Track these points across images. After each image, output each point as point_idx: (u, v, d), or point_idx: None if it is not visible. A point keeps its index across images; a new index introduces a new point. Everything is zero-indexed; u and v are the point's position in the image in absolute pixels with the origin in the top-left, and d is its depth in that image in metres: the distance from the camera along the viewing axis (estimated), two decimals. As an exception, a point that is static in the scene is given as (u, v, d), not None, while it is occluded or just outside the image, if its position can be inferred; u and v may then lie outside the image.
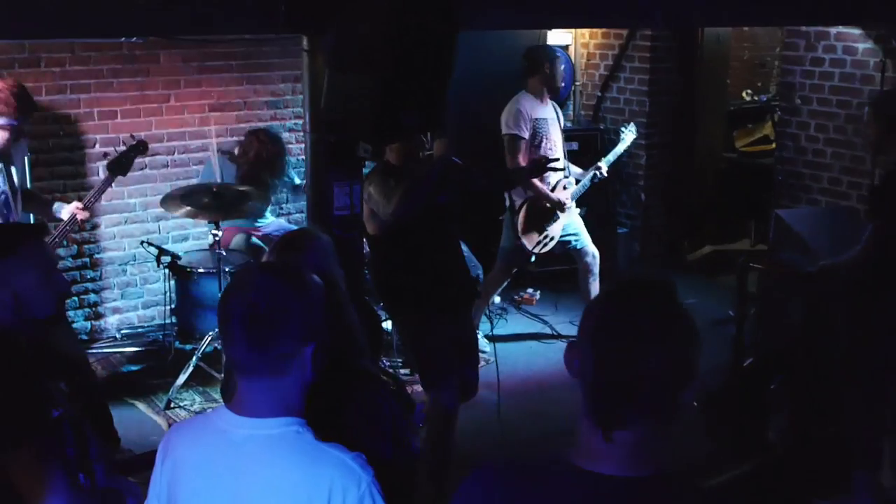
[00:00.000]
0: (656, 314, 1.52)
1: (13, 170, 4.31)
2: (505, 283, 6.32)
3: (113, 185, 5.52)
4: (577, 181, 6.11)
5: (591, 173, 6.09)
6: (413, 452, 2.48)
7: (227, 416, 1.85)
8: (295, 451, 1.80)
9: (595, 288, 6.09)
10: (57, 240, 4.39)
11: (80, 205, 4.51)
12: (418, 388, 5.05)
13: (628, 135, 6.36)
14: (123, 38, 5.41)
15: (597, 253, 6.10)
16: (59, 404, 2.23)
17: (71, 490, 2.12)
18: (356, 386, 2.27)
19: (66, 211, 4.50)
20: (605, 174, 6.11)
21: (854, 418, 4.12)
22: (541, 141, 5.86)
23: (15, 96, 4.14)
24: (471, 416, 4.84)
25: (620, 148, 6.29)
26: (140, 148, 4.82)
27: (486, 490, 1.60)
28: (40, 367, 2.25)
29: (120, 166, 4.69)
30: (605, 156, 6.24)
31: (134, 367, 5.63)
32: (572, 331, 6.06)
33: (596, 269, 6.09)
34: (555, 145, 5.94)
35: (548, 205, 5.88)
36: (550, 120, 5.91)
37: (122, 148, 4.84)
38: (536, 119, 5.84)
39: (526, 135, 5.77)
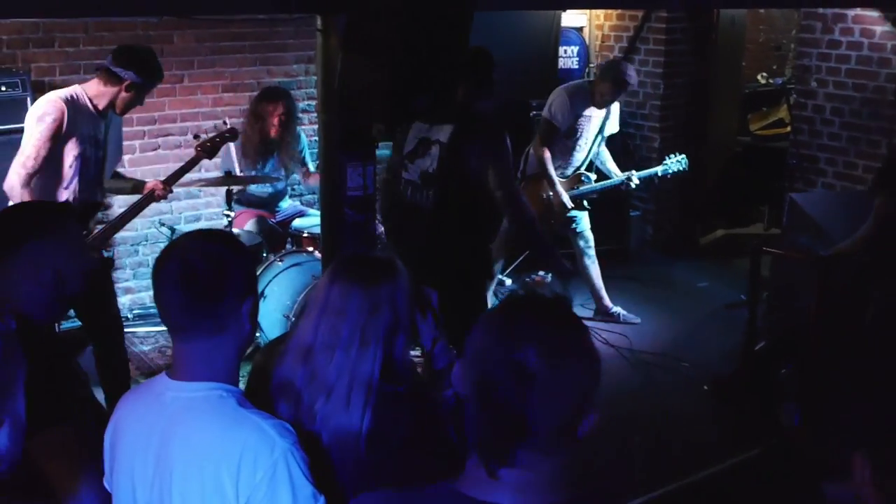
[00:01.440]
0: (548, 339, 1.34)
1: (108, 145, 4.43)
2: (512, 262, 6.32)
3: (126, 165, 5.60)
4: (602, 175, 6.06)
5: (620, 179, 6.06)
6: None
7: (163, 380, 1.91)
8: (213, 413, 1.82)
9: (593, 270, 6.08)
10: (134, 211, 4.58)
11: (159, 183, 4.62)
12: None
13: (674, 164, 6.16)
14: (138, 18, 5.41)
15: (591, 237, 6.08)
16: (81, 385, 2.25)
17: (99, 475, 2.14)
18: (402, 413, 2.16)
19: (146, 186, 4.65)
20: (634, 186, 6.08)
21: (875, 403, 4.09)
22: (575, 135, 5.86)
23: (147, 57, 4.29)
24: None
25: (659, 170, 6.20)
26: (228, 135, 4.95)
27: None
28: (68, 347, 2.27)
29: (208, 150, 4.84)
30: (638, 168, 6.24)
31: (146, 348, 5.65)
32: (583, 313, 6.07)
33: (591, 252, 6.06)
34: (586, 143, 5.92)
35: (550, 193, 5.86)
36: (594, 118, 5.88)
37: (213, 132, 4.99)
38: (580, 115, 5.83)
39: (562, 126, 5.77)
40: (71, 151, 4.12)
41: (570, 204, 5.86)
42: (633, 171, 6.09)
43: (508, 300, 1.47)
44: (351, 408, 2.05)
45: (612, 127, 6.10)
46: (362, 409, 2.05)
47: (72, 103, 4.12)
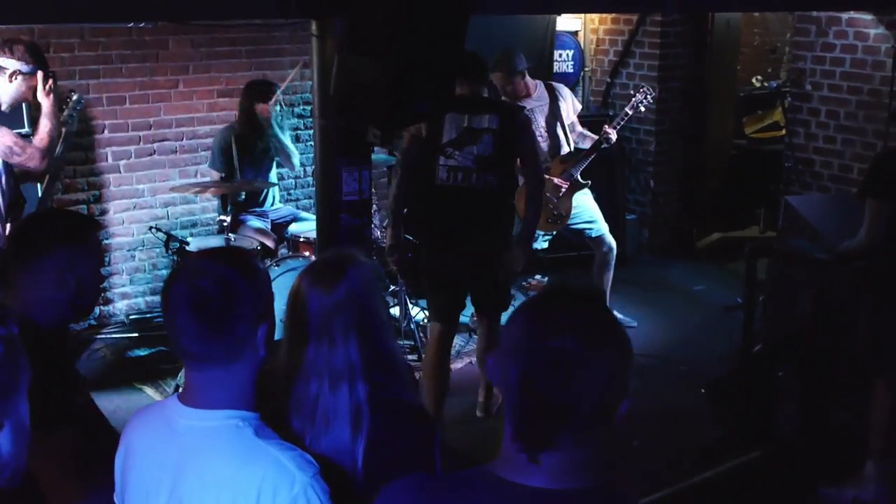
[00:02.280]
0: (584, 330, 1.40)
1: None
2: None
3: (121, 170, 5.63)
4: (587, 152, 6.00)
5: (596, 139, 5.92)
6: None
7: (175, 405, 1.83)
8: (230, 445, 1.75)
9: (607, 278, 6.05)
10: None
11: None
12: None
13: (640, 97, 6.04)
14: (132, 23, 5.41)
15: (614, 244, 6.01)
16: (82, 392, 2.24)
17: (97, 488, 2.12)
18: (402, 420, 2.12)
19: None
20: (614, 139, 5.89)
21: (873, 407, 4.09)
22: None
23: (28, 44, 4.18)
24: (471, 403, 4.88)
25: (628, 108, 6.05)
26: (75, 97, 4.69)
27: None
28: (72, 354, 2.26)
29: (66, 124, 4.65)
30: (610, 122, 6.06)
31: (142, 352, 5.64)
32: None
33: (612, 262, 6.00)
34: (546, 132, 5.89)
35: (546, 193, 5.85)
36: (537, 109, 5.85)
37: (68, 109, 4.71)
38: None
39: None
40: None
41: (563, 183, 5.83)
42: (606, 126, 5.95)
43: (544, 292, 1.52)
44: (340, 424, 2.01)
45: (570, 108, 5.99)
46: (351, 424, 2.00)
47: None
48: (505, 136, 4.45)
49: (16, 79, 4.10)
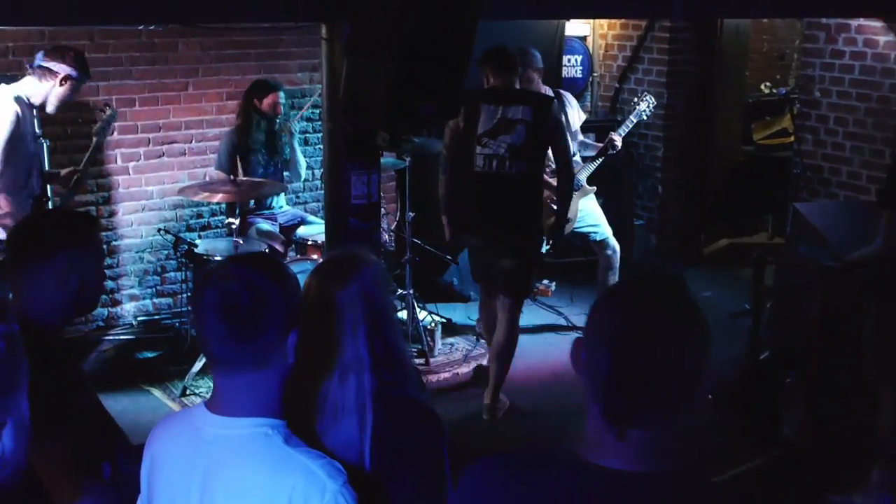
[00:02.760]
0: (671, 309, 1.47)
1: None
2: None
3: (130, 172, 5.65)
4: (593, 157, 6.05)
5: (600, 146, 6.02)
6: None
7: (202, 413, 1.82)
8: (260, 453, 1.75)
9: (612, 282, 6.06)
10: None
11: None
12: (432, 377, 5.09)
13: (643, 105, 6.21)
14: (142, 26, 5.43)
15: (618, 247, 6.05)
16: (84, 390, 2.24)
17: (99, 485, 2.12)
18: (410, 416, 2.12)
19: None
20: (619, 145, 6.03)
21: (880, 414, 4.07)
22: None
23: (78, 52, 4.51)
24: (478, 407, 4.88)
25: (632, 117, 6.19)
26: (111, 112, 5.06)
27: (484, 483, 1.54)
28: (74, 353, 2.26)
29: (99, 134, 5.01)
30: (617, 128, 6.18)
31: (150, 354, 5.65)
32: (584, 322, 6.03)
33: (616, 264, 6.04)
34: None
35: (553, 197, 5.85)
36: None
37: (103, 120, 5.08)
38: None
39: None
40: (25, 149, 4.17)
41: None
42: (612, 132, 6.08)
43: (630, 278, 1.61)
44: (348, 417, 2.01)
45: (576, 117, 6.07)
46: (358, 417, 2.01)
47: (20, 102, 4.26)
48: (537, 126, 4.70)
49: (65, 83, 4.37)
